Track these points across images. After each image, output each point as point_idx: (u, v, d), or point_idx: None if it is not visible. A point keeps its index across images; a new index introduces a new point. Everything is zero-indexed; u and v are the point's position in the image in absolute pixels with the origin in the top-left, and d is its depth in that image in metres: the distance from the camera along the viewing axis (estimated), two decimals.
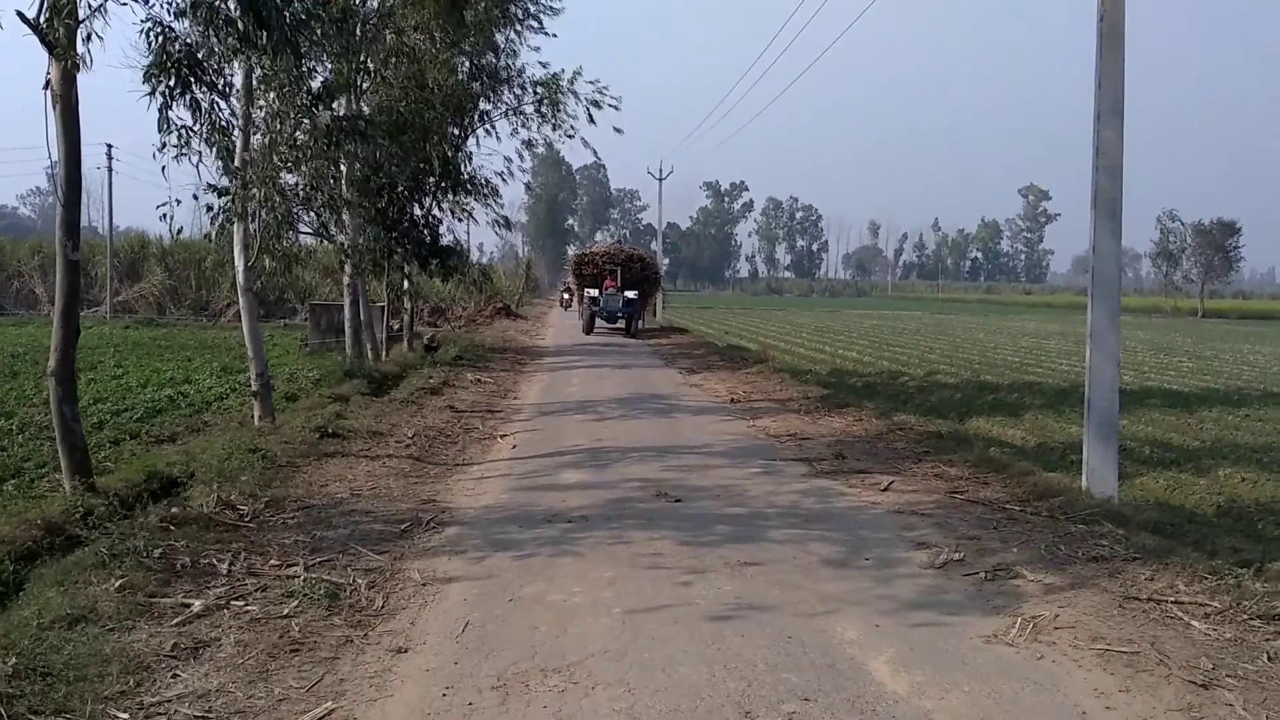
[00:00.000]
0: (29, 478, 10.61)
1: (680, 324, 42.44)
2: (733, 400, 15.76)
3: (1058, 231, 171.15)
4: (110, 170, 42.64)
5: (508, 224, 26.30)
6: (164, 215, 12.23)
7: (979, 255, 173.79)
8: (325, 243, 18.88)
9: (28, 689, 4.05)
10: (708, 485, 9.02)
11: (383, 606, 5.56)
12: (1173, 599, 5.71)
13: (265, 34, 9.35)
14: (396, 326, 24.85)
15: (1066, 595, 5.85)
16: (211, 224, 13.10)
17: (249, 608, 5.39)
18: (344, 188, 17.23)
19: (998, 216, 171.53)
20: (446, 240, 22.28)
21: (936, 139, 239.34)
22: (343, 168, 16.83)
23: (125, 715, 4.03)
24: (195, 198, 12.14)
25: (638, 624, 5.30)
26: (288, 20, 9.65)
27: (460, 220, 23.44)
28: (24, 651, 4.28)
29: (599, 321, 33.64)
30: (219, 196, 11.95)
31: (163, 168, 11.33)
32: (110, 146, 42.59)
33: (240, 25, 9.38)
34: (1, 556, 6.76)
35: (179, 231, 15.44)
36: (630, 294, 33.62)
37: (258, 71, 11.82)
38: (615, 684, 4.51)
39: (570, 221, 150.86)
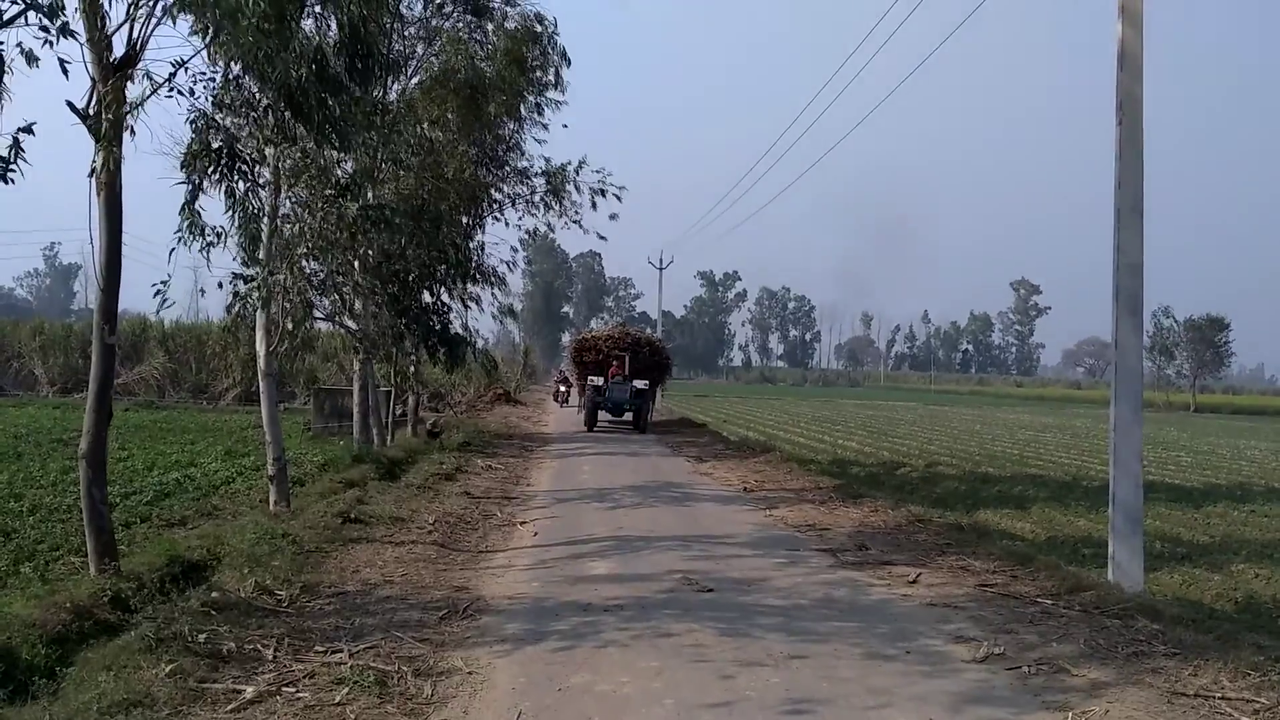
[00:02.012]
0: (44, 560, 10.56)
1: (680, 412, 42.53)
2: (746, 489, 15.80)
3: (1048, 324, 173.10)
4: (95, 257, 42.82)
5: (513, 313, 26.59)
6: (158, 293, 12.35)
7: (970, 347, 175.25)
8: (335, 328, 19.08)
9: None
10: (736, 576, 9.03)
11: (432, 694, 5.54)
12: (1219, 695, 5.73)
13: (303, 126, 9.62)
14: (401, 411, 24.92)
15: (1113, 690, 5.86)
16: (228, 311, 13.27)
17: (300, 694, 5.38)
18: (358, 274, 17.48)
19: (988, 309, 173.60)
20: (455, 327, 22.54)
21: (928, 233, 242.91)
22: (359, 255, 17.09)
23: None
24: (220, 285, 12.30)
25: (694, 716, 5.30)
26: (325, 116, 9.92)
27: (468, 308, 23.76)
28: None
29: (603, 414, 29.62)
30: (245, 283, 12.13)
31: (170, 251, 11.47)
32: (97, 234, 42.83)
33: (279, 116, 9.67)
34: (34, 640, 6.74)
35: (170, 306, 15.55)
36: (640, 383, 29.75)
37: (286, 163, 12.10)
38: None
39: (565, 309, 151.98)
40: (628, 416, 29.78)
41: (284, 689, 5.44)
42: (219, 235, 10.85)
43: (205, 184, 10.40)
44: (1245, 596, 10.88)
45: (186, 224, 10.90)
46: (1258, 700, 5.59)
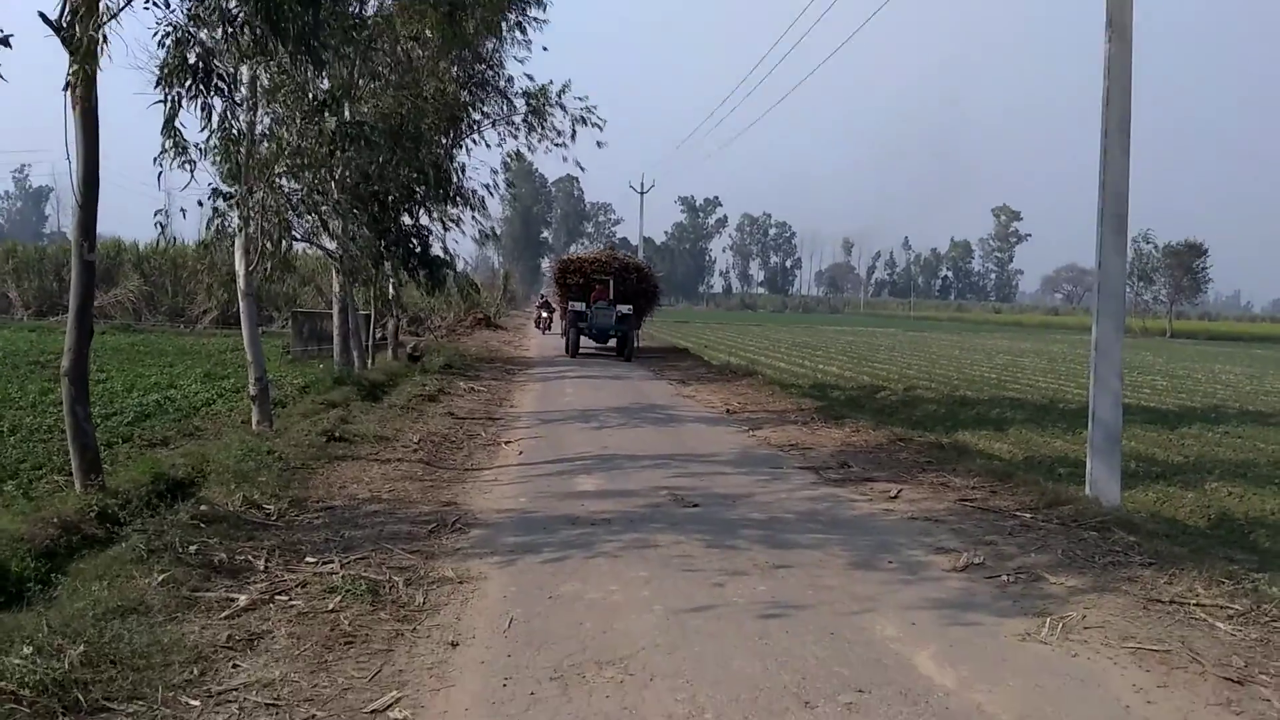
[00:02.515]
0: (27, 478, 10.55)
1: (661, 338, 42.57)
2: (729, 411, 15.89)
3: (1027, 251, 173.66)
4: (73, 174, 42.08)
5: (495, 236, 26.34)
6: (160, 224, 12.25)
7: (949, 274, 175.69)
8: (313, 250, 18.88)
9: (99, 675, 4.08)
10: (722, 492, 9.12)
11: (424, 603, 5.60)
12: (1194, 602, 5.86)
13: (280, 41, 9.40)
14: (381, 335, 24.82)
15: (1090, 597, 5.99)
16: (207, 229, 13.13)
17: (294, 602, 5.43)
18: (336, 194, 17.24)
19: (971, 235, 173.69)
20: (435, 250, 22.33)
21: (911, 157, 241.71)
22: (336, 175, 16.85)
23: (197, 703, 4.07)
24: (200, 204, 12.15)
25: (682, 621, 5.39)
26: (302, 28, 9.70)
27: (448, 230, 23.52)
28: (91, 640, 4.31)
29: (586, 341, 28.56)
30: (223, 200, 11.96)
31: (159, 175, 11.34)
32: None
33: (256, 31, 9.43)
34: (22, 554, 6.76)
35: (174, 237, 15.45)
36: (624, 308, 28.20)
37: (264, 79, 11.86)
38: (672, 676, 4.59)
39: (545, 234, 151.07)
40: (612, 344, 28.66)
41: (277, 597, 5.49)
42: (201, 153, 10.71)
43: (183, 102, 10.22)
44: (1218, 513, 11.10)
45: (169, 143, 10.73)
46: (1231, 607, 5.72)
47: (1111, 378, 9.17)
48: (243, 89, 11.56)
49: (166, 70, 9.66)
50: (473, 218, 22.63)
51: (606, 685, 4.48)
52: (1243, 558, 7.30)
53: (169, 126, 10.68)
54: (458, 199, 21.82)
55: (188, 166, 10.82)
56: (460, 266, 23.84)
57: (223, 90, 9.72)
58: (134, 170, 10.52)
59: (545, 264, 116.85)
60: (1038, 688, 4.62)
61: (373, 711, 4.14)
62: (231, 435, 11.18)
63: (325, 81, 14.93)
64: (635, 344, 29.32)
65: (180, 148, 11.05)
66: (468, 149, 23.00)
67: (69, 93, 8.35)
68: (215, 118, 10.24)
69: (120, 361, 22.70)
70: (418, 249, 21.00)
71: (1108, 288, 9.21)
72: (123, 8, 8.55)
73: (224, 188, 11.56)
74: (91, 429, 8.77)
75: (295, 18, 9.38)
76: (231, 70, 10.35)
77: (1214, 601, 5.83)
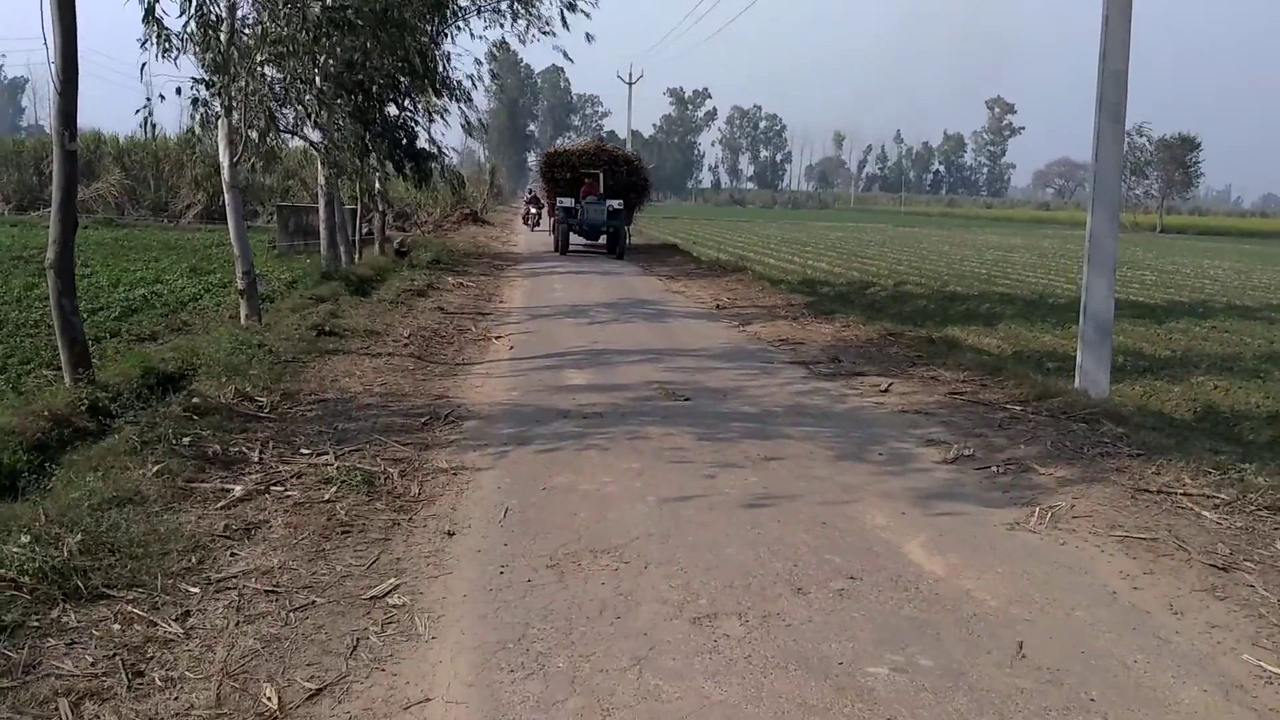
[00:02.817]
0: (15, 373, 10.51)
1: (650, 234, 42.26)
2: (718, 307, 15.87)
3: (1020, 145, 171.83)
4: (50, 60, 41.00)
5: (483, 127, 25.83)
6: (145, 119, 12.00)
7: (941, 168, 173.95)
8: (298, 142, 18.52)
9: (98, 563, 4.11)
10: (712, 386, 9.15)
11: (420, 493, 5.64)
12: (1181, 491, 5.93)
13: None
14: (367, 230, 24.56)
15: (1079, 488, 6.06)
16: (193, 118, 12.86)
17: (289, 493, 5.46)
18: (320, 83, 16.84)
19: (962, 129, 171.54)
20: (421, 141, 21.94)
21: (904, 48, 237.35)
22: (319, 63, 16.44)
23: (196, 590, 4.11)
24: (178, 92, 11.88)
25: (675, 511, 5.44)
26: None
27: (433, 121, 23.06)
28: (88, 528, 4.33)
29: (575, 239, 27.59)
30: (205, 89, 11.68)
31: (142, 65, 11.05)
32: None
33: None
34: (14, 447, 6.76)
35: (156, 130, 15.15)
36: (616, 204, 27.04)
37: None
38: (666, 563, 4.65)
39: (531, 127, 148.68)
40: (602, 240, 27.59)
41: (272, 488, 5.52)
42: (183, 42, 10.43)
43: None
44: (1204, 406, 11.22)
45: (152, 32, 10.44)
46: (1218, 496, 5.80)
47: (1104, 270, 9.16)
48: None
49: None
50: (459, 109, 22.19)
51: (602, 573, 4.54)
52: (1228, 449, 7.35)
53: (150, 15, 10.38)
54: (443, 89, 21.33)
55: (170, 56, 10.55)
56: (448, 160, 23.42)
57: None
58: (112, 60, 10.27)
59: (532, 158, 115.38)
60: (1025, 574, 4.69)
61: (371, 598, 4.19)
62: (221, 329, 11.14)
63: None
64: (627, 241, 28.36)
65: (163, 37, 10.76)
66: (452, 37, 22.41)
67: None
68: (194, 2, 9.97)
69: (104, 256, 22.45)
70: (404, 140, 20.66)
71: (1104, 177, 9.13)
72: None
73: (206, 76, 11.26)
74: (79, 322, 8.71)
75: None
76: None
77: (1201, 491, 5.91)
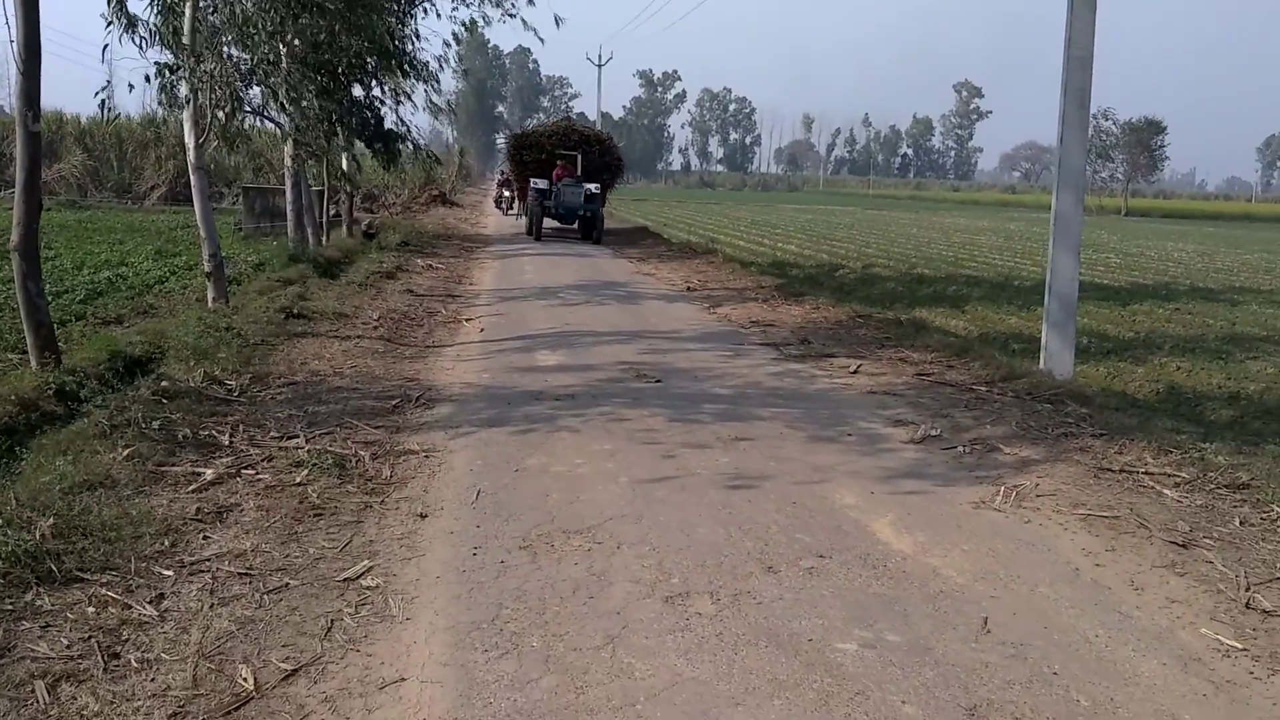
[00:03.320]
0: None
1: (621, 216, 42.18)
2: (689, 289, 15.91)
3: (987, 129, 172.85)
4: (12, 39, 40.29)
5: (451, 110, 25.65)
6: (103, 103, 11.85)
7: (909, 151, 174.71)
8: (264, 123, 18.34)
9: (71, 547, 4.10)
10: (684, 367, 9.21)
11: (391, 476, 5.65)
12: (1143, 470, 6.05)
13: None
14: (334, 212, 24.38)
15: (1043, 467, 6.17)
16: (160, 102, 12.75)
17: (261, 476, 5.45)
18: (287, 65, 16.68)
19: (930, 113, 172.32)
20: (390, 123, 21.77)
21: (872, 31, 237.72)
22: (286, 43, 16.28)
23: (170, 573, 4.11)
24: (147, 79, 11.73)
25: (647, 492, 5.49)
26: None
27: (401, 103, 22.89)
28: (60, 512, 4.31)
29: (549, 222, 26.51)
30: (170, 73, 11.57)
31: (104, 47, 10.91)
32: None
33: None
34: None
35: (115, 114, 14.99)
36: (592, 186, 26.12)
37: None
38: (638, 544, 4.70)
39: (499, 108, 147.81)
40: (579, 225, 26.66)
41: (243, 471, 5.51)
42: (149, 30, 10.32)
43: None
44: (1167, 387, 11.38)
45: (115, 11, 10.30)
46: (1178, 475, 5.92)
47: (1069, 252, 9.26)
48: None
49: None
50: (425, 91, 22.02)
51: (575, 553, 4.58)
52: (1190, 429, 7.50)
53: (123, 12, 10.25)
54: (410, 70, 21.17)
55: (135, 40, 10.44)
56: (418, 141, 23.16)
57: None
58: (74, 39, 10.16)
59: (500, 139, 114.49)
60: (991, 552, 4.78)
61: (345, 580, 4.21)
62: (188, 312, 11.05)
63: None
64: (603, 224, 27.15)
65: (127, 19, 10.62)
66: (418, 19, 22.23)
67: None
68: None
69: (68, 239, 22.15)
70: (372, 121, 20.49)
71: (1068, 160, 9.23)
72: None
73: (170, 59, 11.15)
74: (45, 305, 8.63)
75: None
76: None
77: (1162, 470, 6.03)
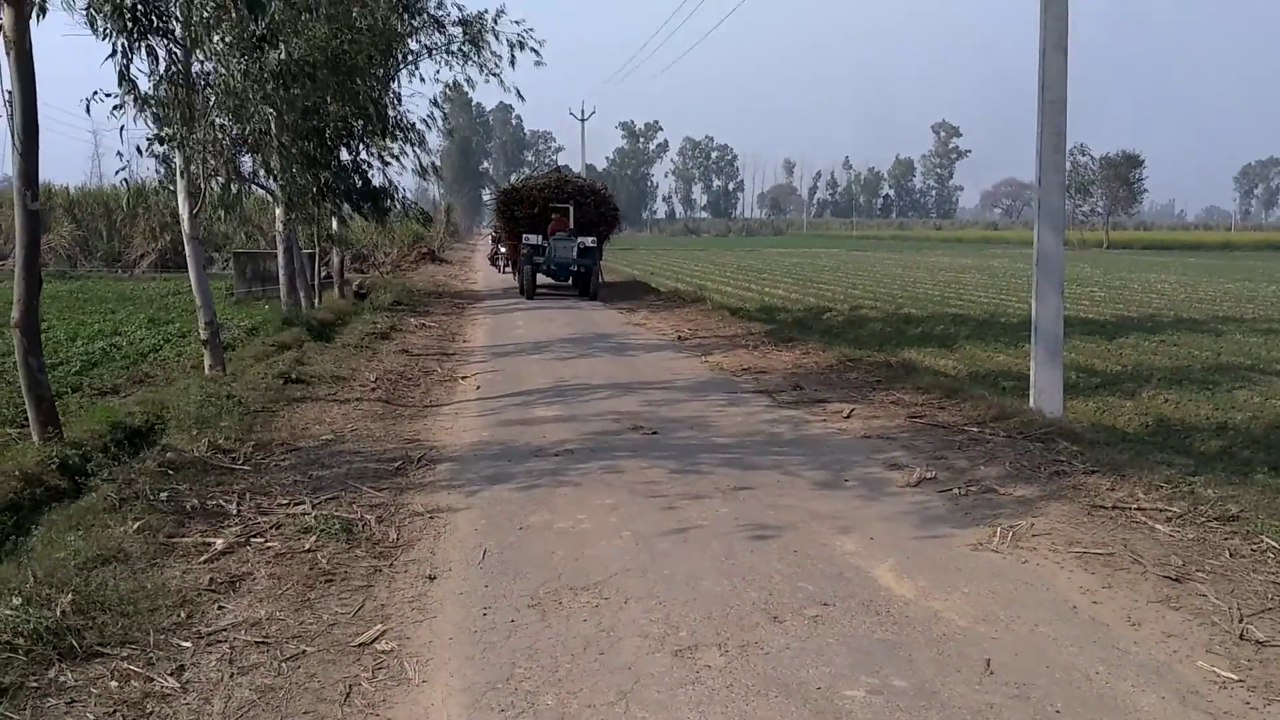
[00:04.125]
0: None
1: (608, 266, 42.41)
2: (680, 338, 16.07)
3: (967, 167, 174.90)
4: (10, 119, 40.70)
5: (435, 171, 25.96)
6: (124, 179, 12.30)
7: (891, 192, 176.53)
8: (255, 189, 18.57)
9: (91, 622, 4.17)
10: (679, 418, 9.32)
11: (398, 539, 5.73)
12: (1135, 506, 6.17)
13: None
14: (325, 273, 24.59)
15: (1038, 506, 6.29)
16: (157, 172, 13.01)
17: (270, 544, 5.53)
18: (276, 133, 16.93)
19: (910, 154, 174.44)
20: (377, 182, 22.01)
21: (850, 75, 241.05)
22: (276, 112, 16.53)
23: (189, 644, 4.18)
24: (140, 151, 11.94)
25: (650, 545, 5.59)
26: None
27: (388, 165, 23.17)
28: (78, 588, 4.39)
29: (543, 279, 25.40)
30: (161, 144, 11.79)
31: (120, 128, 11.22)
32: (10, 94, 40.64)
33: None
34: None
35: (132, 187, 15.23)
36: (588, 240, 24.74)
37: (202, 14, 11.56)
38: (645, 598, 4.79)
39: (484, 164, 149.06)
40: (574, 281, 25.27)
41: (253, 540, 5.59)
42: (160, 105, 10.55)
43: (132, 48, 10.02)
44: (1155, 420, 11.54)
45: (128, 96, 10.54)
46: (1170, 509, 6.05)
47: (1053, 291, 9.45)
48: (177, 28, 11.30)
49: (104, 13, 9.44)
50: (413, 153, 22.32)
51: (583, 610, 4.67)
52: (1180, 462, 7.62)
53: (125, 78, 10.46)
54: (396, 133, 21.47)
55: (147, 119, 10.71)
56: (406, 199, 23.37)
57: (161, 29, 9.54)
58: (60, 111, 10.37)
59: (487, 195, 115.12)
60: (991, 593, 4.88)
61: (360, 645, 4.29)
62: (187, 380, 11.14)
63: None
64: (600, 278, 25.81)
65: (141, 100, 10.83)
66: (400, 82, 22.58)
67: (0, 37, 8.19)
68: (161, 63, 10.13)
69: (60, 310, 22.29)
70: (359, 184, 20.74)
71: (1048, 201, 9.43)
72: None
73: (161, 132, 11.37)
74: (46, 380, 8.75)
75: None
76: (164, 8, 10.14)
77: (1154, 505, 6.16)
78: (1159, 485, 6.47)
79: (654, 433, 8.65)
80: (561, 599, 4.80)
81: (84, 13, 9.60)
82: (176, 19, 10.05)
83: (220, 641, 4.24)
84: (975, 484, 6.83)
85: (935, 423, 8.85)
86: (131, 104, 10.22)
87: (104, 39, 9.46)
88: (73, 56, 9.47)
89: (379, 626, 4.46)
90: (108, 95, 10.40)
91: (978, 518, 6.12)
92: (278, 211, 18.86)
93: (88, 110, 10.98)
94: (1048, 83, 9.27)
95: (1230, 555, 5.29)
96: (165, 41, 9.86)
